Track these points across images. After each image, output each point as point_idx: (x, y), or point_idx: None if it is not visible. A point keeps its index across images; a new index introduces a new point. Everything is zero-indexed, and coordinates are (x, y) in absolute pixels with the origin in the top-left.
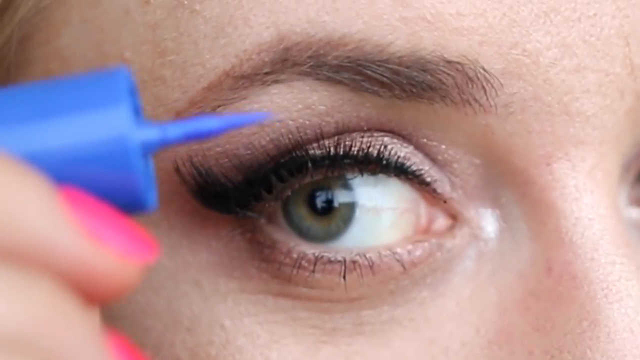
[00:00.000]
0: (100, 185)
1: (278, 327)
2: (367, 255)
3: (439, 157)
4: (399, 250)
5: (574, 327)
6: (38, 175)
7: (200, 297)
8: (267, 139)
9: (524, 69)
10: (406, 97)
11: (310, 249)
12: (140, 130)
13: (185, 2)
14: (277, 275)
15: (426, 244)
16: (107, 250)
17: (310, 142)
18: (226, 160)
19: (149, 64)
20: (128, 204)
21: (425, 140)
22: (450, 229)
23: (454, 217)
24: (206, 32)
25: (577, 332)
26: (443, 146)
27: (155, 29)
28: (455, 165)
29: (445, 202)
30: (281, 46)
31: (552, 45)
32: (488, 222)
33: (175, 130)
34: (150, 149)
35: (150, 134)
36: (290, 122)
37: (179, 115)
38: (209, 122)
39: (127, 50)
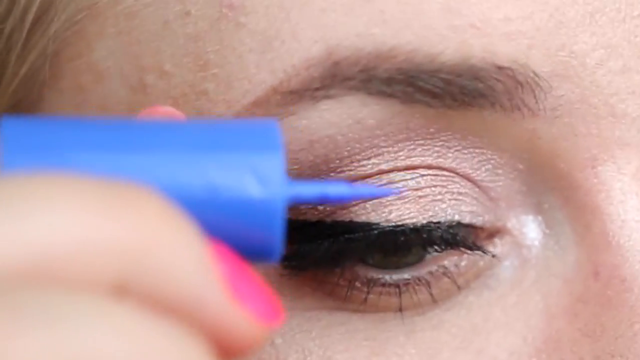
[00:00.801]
0: (236, 231)
1: (332, 343)
2: (420, 276)
3: (488, 166)
4: (446, 263)
5: (625, 330)
6: (191, 223)
7: None
8: (315, 154)
9: (571, 71)
10: (456, 106)
11: (363, 271)
12: (288, 186)
13: (230, 14)
14: (331, 294)
15: (470, 252)
16: (246, 311)
17: (358, 159)
18: None
19: (191, 76)
20: (257, 254)
21: (472, 148)
22: (491, 238)
23: (496, 230)
24: (252, 46)
25: (629, 335)
26: (489, 152)
27: (196, 41)
28: (500, 171)
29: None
30: (330, 61)
31: (598, 47)
32: (530, 228)
33: (310, 190)
34: (288, 204)
35: (290, 190)
36: (340, 137)
37: None
38: (341, 188)
39: (166, 62)
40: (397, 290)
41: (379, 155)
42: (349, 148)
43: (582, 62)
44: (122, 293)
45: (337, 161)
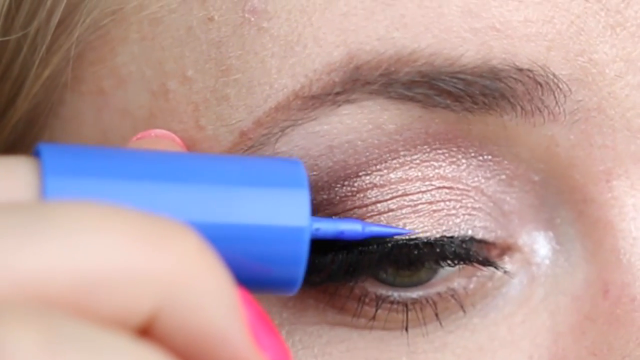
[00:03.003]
0: (260, 262)
1: None
2: (428, 296)
3: (502, 176)
4: (455, 285)
5: (633, 350)
6: (224, 267)
7: None
8: (334, 160)
9: (589, 77)
10: (477, 110)
11: (372, 287)
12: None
13: (252, 19)
14: (336, 306)
15: (479, 273)
16: (264, 357)
17: (374, 163)
18: None
19: (212, 82)
20: (278, 284)
21: (489, 156)
22: (501, 255)
23: (507, 247)
24: (274, 51)
25: (637, 355)
26: (506, 162)
27: (219, 47)
28: (515, 182)
29: (494, 244)
30: (351, 65)
31: (617, 59)
32: (541, 245)
33: (327, 226)
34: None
35: (311, 226)
36: (359, 142)
37: (244, 135)
38: (356, 226)
39: (189, 68)
40: (405, 308)
41: (395, 158)
42: (367, 153)
43: (601, 72)
44: (153, 326)
45: (355, 167)
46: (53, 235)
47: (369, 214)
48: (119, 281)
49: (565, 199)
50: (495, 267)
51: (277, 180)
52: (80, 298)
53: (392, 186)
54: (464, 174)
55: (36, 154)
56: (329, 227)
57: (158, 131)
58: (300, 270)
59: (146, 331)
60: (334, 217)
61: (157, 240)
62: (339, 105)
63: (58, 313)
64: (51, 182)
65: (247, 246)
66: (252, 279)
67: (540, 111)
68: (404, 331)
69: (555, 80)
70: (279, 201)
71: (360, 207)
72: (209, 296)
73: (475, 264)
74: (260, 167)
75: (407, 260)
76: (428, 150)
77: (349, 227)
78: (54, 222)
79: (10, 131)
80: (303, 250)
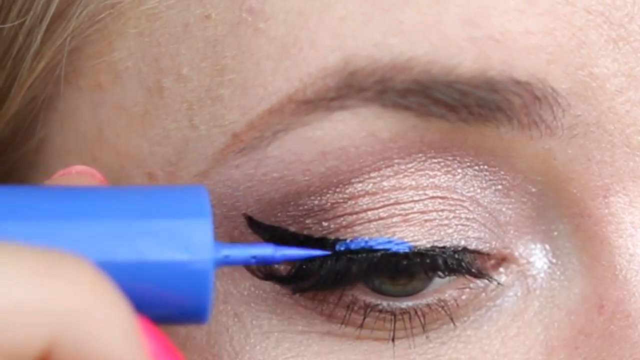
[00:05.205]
0: (166, 295)
1: None
2: (417, 307)
3: (498, 186)
4: (446, 296)
5: None
6: (122, 296)
7: (242, 332)
8: (327, 165)
9: (589, 92)
10: (473, 120)
11: (361, 295)
12: (215, 249)
13: (249, 19)
14: (324, 313)
15: (472, 285)
16: None
17: (368, 170)
18: (283, 185)
19: (207, 81)
20: (187, 315)
21: (486, 166)
22: (497, 266)
23: (503, 257)
24: (269, 53)
25: None
26: (502, 172)
27: (215, 46)
28: (512, 193)
29: (488, 255)
30: (347, 71)
31: (619, 74)
32: (537, 257)
33: (237, 252)
34: (215, 267)
35: (218, 254)
36: (353, 149)
37: (236, 137)
38: (267, 250)
39: (185, 66)
40: (392, 317)
41: (389, 166)
42: (361, 160)
43: (602, 86)
44: (50, 358)
45: (348, 174)
46: None
47: (359, 222)
48: (11, 315)
49: (562, 212)
50: (489, 279)
51: (180, 211)
52: None
53: (385, 194)
54: (459, 183)
55: None
56: (239, 253)
57: (79, 167)
58: (206, 301)
59: None
60: (295, 229)
61: (48, 272)
62: (333, 111)
63: None
64: None
65: (150, 280)
66: (160, 310)
67: (537, 125)
68: (391, 342)
69: (554, 94)
70: (181, 233)
71: (351, 214)
72: (105, 325)
73: (467, 276)
74: (164, 197)
75: (394, 270)
76: (423, 159)
77: (260, 252)
78: None
79: (7, 124)
80: (207, 282)
